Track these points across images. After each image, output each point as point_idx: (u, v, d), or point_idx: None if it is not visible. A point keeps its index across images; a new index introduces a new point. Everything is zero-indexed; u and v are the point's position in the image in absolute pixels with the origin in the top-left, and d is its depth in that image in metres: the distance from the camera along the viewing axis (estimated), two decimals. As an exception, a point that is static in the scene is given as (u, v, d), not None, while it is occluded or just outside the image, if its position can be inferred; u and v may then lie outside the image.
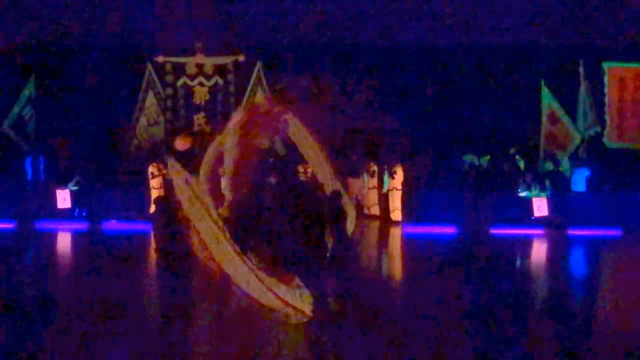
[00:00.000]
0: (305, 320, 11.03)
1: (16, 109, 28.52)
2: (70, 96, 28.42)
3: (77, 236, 22.49)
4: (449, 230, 23.44)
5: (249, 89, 27.93)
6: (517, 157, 26.71)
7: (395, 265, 19.25)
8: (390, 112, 27.71)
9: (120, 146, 27.80)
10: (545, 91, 27.57)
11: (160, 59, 27.95)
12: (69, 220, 24.02)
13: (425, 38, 29.18)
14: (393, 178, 24.68)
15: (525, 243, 22.23)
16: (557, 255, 21.24)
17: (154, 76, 28.02)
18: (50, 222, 23.80)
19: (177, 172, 11.22)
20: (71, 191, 24.78)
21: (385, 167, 25.27)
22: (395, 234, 23.23)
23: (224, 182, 21.13)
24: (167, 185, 22.71)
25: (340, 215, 15.16)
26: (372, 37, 29.43)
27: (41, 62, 28.78)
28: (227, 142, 13.21)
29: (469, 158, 26.67)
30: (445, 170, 26.33)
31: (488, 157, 26.46)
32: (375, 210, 25.67)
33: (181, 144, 23.63)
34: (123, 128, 27.88)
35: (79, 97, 28.36)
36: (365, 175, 25.96)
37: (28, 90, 28.59)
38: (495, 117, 28.38)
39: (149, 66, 27.98)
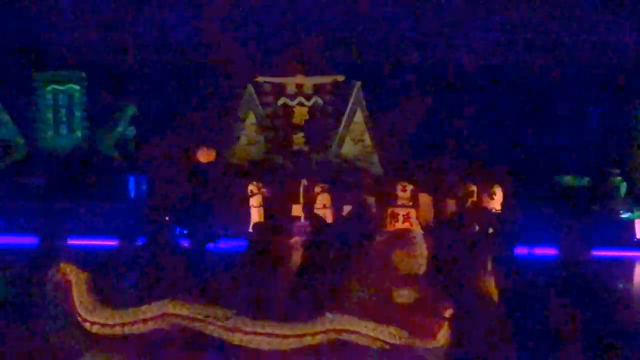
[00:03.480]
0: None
1: (119, 129, 29.10)
2: (171, 116, 28.80)
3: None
4: (549, 251, 23.23)
5: (348, 109, 27.98)
6: (618, 178, 26.35)
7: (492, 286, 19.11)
8: (488, 132, 27.58)
9: (219, 165, 28.04)
10: (646, 111, 27.24)
11: (260, 79, 28.16)
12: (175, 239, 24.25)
13: (522, 58, 29.03)
14: (492, 199, 24.51)
15: (627, 265, 21.94)
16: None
17: (254, 96, 28.23)
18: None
19: None
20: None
21: (483, 187, 25.10)
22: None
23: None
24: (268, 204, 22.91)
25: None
26: (468, 57, 29.36)
27: (143, 82, 29.26)
28: None
29: (568, 179, 26.42)
30: (545, 191, 26.09)
31: (588, 178, 26.19)
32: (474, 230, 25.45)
33: (204, 155, 23.29)
34: (223, 147, 28.12)
35: (179, 116, 28.74)
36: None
37: (130, 110, 29.15)
38: (595, 138, 28.07)
39: (249, 86, 28.20)
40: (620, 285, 19.53)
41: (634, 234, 23.95)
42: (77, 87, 28.87)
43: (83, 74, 28.98)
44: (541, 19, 29.23)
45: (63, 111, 28.90)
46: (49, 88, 28.78)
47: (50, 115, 28.94)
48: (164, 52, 29.87)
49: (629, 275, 20.91)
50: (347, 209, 22.16)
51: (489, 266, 19.50)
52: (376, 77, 28.34)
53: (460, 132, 27.74)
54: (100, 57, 29.86)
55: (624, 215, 24.44)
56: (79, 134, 29.04)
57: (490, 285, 17.73)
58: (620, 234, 24.12)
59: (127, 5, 30.08)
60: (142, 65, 29.64)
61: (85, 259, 21.53)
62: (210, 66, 29.08)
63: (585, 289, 17.79)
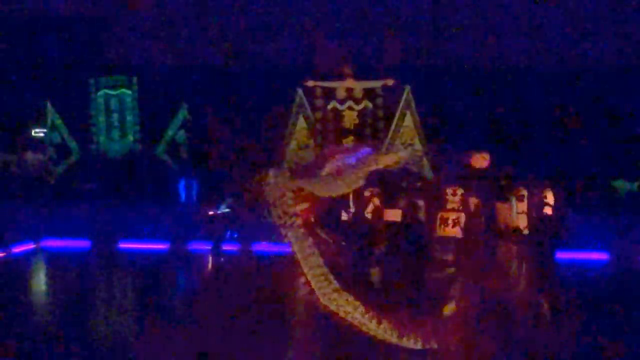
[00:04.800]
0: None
1: (170, 133, 29.35)
2: (222, 120, 28.96)
3: (228, 257, 22.97)
4: (600, 256, 23.10)
5: (397, 113, 27.96)
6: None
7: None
8: (540, 136, 27.47)
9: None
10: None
11: (310, 83, 28.23)
12: (222, 242, 24.41)
13: (574, 61, 28.92)
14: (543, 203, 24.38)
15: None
16: None
17: (304, 100, 28.29)
18: (202, 243, 24.31)
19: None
20: (224, 213, 25.19)
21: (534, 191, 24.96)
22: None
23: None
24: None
25: None
26: (519, 60, 29.27)
27: (194, 86, 29.49)
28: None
29: (620, 183, 26.24)
30: (597, 195, 25.90)
31: (638, 182, 26.01)
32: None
33: (479, 160, 23.14)
34: (273, 151, 28.23)
35: (230, 121, 28.89)
36: (513, 199, 25.65)
37: (182, 114, 29.39)
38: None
39: (300, 91, 28.27)
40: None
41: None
42: (128, 92, 29.17)
43: (135, 79, 29.28)
44: (593, 22, 29.11)
45: (115, 116, 29.21)
46: (101, 93, 29.13)
47: (102, 120, 29.26)
48: (216, 57, 30.08)
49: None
50: (396, 213, 22.11)
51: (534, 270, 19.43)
52: (426, 80, 28.33)
53: (511, 135, 27.65)
54: (153, 62, 30.15)
55: (677, 220, 24.24)
56: (130, 138, 29.33)
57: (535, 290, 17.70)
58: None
59: (178, 11, 30.32)
60: (194, 70, 29.89)
61: (137, 263, 21.94)
62: (262, 71, 29.26)
63: (636, 293, 17.70)
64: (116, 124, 29.27)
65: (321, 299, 11.16)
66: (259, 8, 30.13)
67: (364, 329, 11.31)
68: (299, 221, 11.22)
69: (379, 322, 11.31)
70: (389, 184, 24.22)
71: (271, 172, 11.52)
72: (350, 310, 11.19)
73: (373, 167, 11.64)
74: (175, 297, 17.31)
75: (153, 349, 12.06)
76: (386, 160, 11.82)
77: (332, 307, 11.19)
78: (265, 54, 29.58)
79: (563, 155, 27.29)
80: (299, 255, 11.14)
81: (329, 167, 11.58)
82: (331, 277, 11.14)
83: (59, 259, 22.72)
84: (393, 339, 11.39)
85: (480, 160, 22.21)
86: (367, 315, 11.22)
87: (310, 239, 11.14)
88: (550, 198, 24.13)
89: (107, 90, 29.18)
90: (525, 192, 25.29)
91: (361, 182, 11.61)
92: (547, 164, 26.25)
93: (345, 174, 11.45)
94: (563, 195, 24.21)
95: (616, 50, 29.12)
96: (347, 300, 11.17)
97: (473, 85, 28.49)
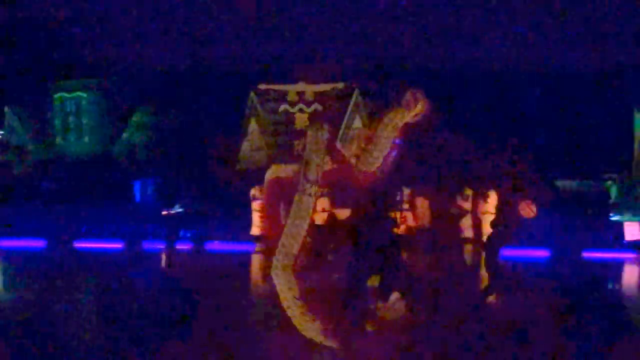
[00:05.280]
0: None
1: (126, 135, 29.72)
2: (177, 122, 29.32)
3: (181, 256, 23.33)
4: (541, 253, 23.60)
5: (347, 115, 28.40)
6: (609, 182, 26.80)
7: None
8: (483, 137, 27.97)
9: (225, 170, 28.44)
10: (637, 118, 27.53)
11: (262, 86, 28.63)
12: (176, 241, 24.78)
13: (514, 63, 29.49)
14: (486, 202, 24.87)
15: (616, 267, 22.30)
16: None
17: (257, 103, 28.69)
18: (158, 242, 24.67)
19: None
20: (176, 213, 25.59)
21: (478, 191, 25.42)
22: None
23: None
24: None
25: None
26: (463, 60, 29.75)
27: (151, 90, 29.81)
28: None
29: (561, 182, 26.80)
30: (538, 194, 26.44)
31: (578, 181, 26.58)
32: (469, 233, 25.88)
33: (526, 210, 23.42)
34: (227, 153, 28.62)
35: (185, 123, 29.27)
36: (459, 198, 26.06)
37: (137, 117, 29.75)
38: (589, 143, 28.45)
39: (252, 94, 28.68)
40: (609, 286, 19.88)
41: (622, 237, 24.35)
42: (84, 95, 29.47)
43: (91, 82, 29.59)
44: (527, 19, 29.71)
45: (71, 118, 29.50)
46: (57, 96, 29.41)
47: (59, 122, 29.56)
48: (173, 61, 30.42)
49: (617, 277, 21.24)
50: (344, 212, 22.58)
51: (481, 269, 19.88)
52: (373, 84, 28.73)
53: (457, 137, 28.13)
54: (110, 66, 30.41)
55: (615, 218, 24.88)
56: (86, 140, 29.63)
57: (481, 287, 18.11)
58: (611, 237, 24.54)
59: (136, 15, 30.66)
60: (151, 74, 30.18)
61: (95, 262, 22.24)
62: (217, 74, 29.57)
63: (575, 289, 18.12)
64: (72, 126, 29.58)
65: (272, 268, 11.16)
66: (215, 13, 30.53)
67: (289, 313, 11.25)
68: (316, 190, 10.83)
69: (304, 314, 11.24)
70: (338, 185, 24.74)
71: (314, 128, 11.14)
72: (286, 290, 11.07)
73: (401, 121, 11.34)
74: (128, 295, 17.63)
75: (103, 348, 12.33)
76: (410, 114, 11.54)
77: (274, 280, 11.09)
78: (220, 57, 29.97)
79: (512, 154, 27.79)
80: (290, 221, 10.84)
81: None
82: (293, 257, 10.91)
83: (13, 258, 22.85)
84: (311, 334, 11.28)
85: (528, 211, 22.59)
86: (297, 302, 11.16)
87: (309, 217, 11.04)
88: (493, 198, 24.72)
89: (62, 93, 29.46)
90: (470, 192, 25.85)
91: (396, 133, 11.15)
92: (497, 164, 26.71)
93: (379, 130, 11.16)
94: (508, 195, 24.78)
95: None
96: (288, 280, 11.04)
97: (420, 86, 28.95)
